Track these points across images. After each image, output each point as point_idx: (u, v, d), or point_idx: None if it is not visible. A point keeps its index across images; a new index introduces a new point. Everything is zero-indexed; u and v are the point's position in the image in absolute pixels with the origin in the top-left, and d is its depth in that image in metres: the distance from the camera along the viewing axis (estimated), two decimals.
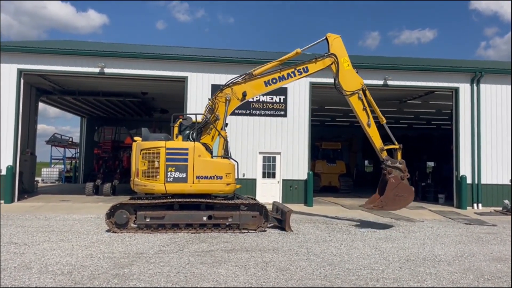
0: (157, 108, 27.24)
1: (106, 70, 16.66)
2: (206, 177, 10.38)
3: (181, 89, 17.43)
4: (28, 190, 19.34)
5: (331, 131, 32.46)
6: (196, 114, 11.12)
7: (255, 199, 11.43)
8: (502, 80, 18.14)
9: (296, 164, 17.19)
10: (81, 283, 6.01)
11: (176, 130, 11.21)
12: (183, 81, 17.13)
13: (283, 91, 17.18)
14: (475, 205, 17.42)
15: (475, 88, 17.90)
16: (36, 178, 22.25)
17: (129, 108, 26.42)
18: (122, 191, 20.56)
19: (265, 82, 11.48)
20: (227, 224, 10.43)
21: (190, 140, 10.85)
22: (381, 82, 17.40)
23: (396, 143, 12.03)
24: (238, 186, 11.09)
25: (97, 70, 16.61)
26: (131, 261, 7.34)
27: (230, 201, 10.55)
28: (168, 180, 10.27)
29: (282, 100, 17.34)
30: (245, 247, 8.72)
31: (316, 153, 25.01)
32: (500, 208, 16.60)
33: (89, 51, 16.79)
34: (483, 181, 17.57)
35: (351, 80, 11.86)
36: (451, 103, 18.46)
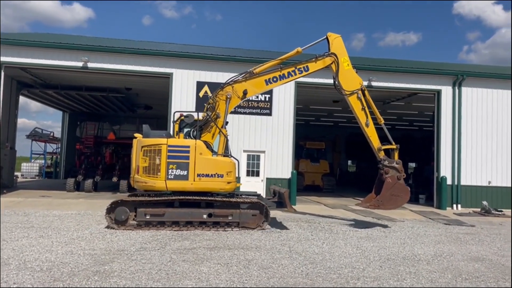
0: (141, 104, 26.99)
1: (90, 65, 16.43)
2: (207, 175, 10.38)
3: (165, 85, 17.31)
4: (7, 185, 18.93)
5: (316, 131, 32.65)
6: (198, 112, 11.09)
7: (259, 196, 11.45)
8: (483, 84, 18.53)
9: (280, 163, 17.25)
10: (61, 279, 5.93)
11: (176, 127, 11.16)
12: (167, 77, 17.01)
13: (268, 90, 17.20)
14: (454, 205, 17.78)
15: (457, 90, 18.24)
16: (16, 173, 21.83)
17: (113, 104, 26.10)
18: (104, 187, 20.35)
19: (265, 80, 11.48)
20: (227, 222, 10.45)
21: (191, 138, 10.82)
22: (365, 83, 17.45)
23: (394, 143, 12.16)
24: (238, 184, 11.11)
25: (80, 64, 16.37)
26: (112, 258, 7.26)
27: (230, 199, 10.57)
28: (169, 177, 10.24)
29: (267, 99, 17.37)
30: (228, 245, 8.71)
31: (300, 152, 25.14)
32: (479, 209, 16.95)
33: (72, 45, 16.51)
34: (462, 183, 17.93)
35: (351, 80, 11.93)
36: (433, 105, 18.78)
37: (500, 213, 16.27)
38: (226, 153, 11.08)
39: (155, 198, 10.21)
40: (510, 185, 18.19)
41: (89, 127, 21.59)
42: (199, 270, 6.70)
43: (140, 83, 19.81)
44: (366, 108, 11.98)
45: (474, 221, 14.29)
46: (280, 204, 11.34)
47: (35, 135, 30.11)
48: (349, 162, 40.53)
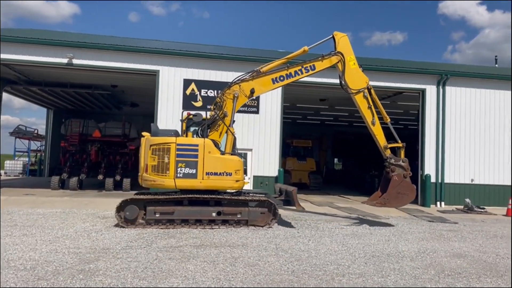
0: (127, 102, 26.75)
1: (75, 61, 16.24)
2: (215, 174, 10.47)
3: (152, 83, 17.20)
4: None
5: (302, 129, 32.81)
6: (206, 111, 11.22)
7: (266, 194, 11.53)
8: (466, 83, 18.83)
9: (267, 160, 17.29)
10: (45, 278, 5.87)
11: (183, 126, 11.24)
12: (154, 74, 16.91)
13: None
14: (438, 203, 18.06)
15: (441, 90, 18.51)
16: None
17: (98, 101, 25.83)
18: (89, 185, 20.15)
19: (272, 79, 11.52)
20: (236, 220, 10.56)
21: (199, 137, 10.90)
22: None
23: (400, 141, 12.24)
24: (246, 182, 11.22)
25: (65, 61, 16.18)
26: (97, 256, 7.22)
27: (239, 197, 10.68)
28: (178, 176, 10.30)
29: (254, 97, 17.35)
30: (214, 242, 8.73)
31: (287, 150, 25.24)
32: (462, 207, 17.24)
33: (57, 41, 16.31)
34: (446, 180, 18.21)
35: (357, 79, 11.97)
36: (418, 104, 19.02)
37: (483, 210, 16.58)
38: (234, 151, 11.17)
39: (165, 197, 10.30)
40: (493, 183, 18.56)
41: (74, 125, 21.24)
42: (185, 268, 6.70)
43: (126, 80, 19.65)
44: (373, 107, 12.09)
45: (457, 218, 14.54)
46: (287, 202, 11.53)
47: (19, 133, 29.64)
48: (336, 160, 40.86)
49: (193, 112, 11.26)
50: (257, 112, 17.39)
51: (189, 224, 10.29)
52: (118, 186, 19.07)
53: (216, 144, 10.81)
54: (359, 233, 10.71)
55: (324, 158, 32.71)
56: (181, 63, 17.01)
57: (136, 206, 10.12)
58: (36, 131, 30.70)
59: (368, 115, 12.05)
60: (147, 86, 18.81)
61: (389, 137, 12.35)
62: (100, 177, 18.97)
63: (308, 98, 22.68)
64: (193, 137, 11.00)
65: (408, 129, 31.52)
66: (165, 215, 10.22)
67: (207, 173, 10.39)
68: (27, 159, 32.06)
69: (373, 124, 12.07)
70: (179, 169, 10.29)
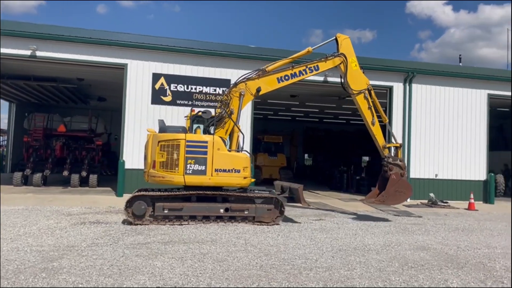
0: (94, 96, 26.09)
1: (38, 53, 15.70)
2: (224, 170, 10.55)
3: (120, 77, 16.82)
4: None
5: (274, 125, 32.97)
6: (214, 108, 11.37)
7: (270, 191, 11.60)
8: (431, 81, 19.41)
9: None
10: (6, 277, 5.67)
11: (188, 123, 11.35)
12: (122, 68, 16.54)
13: (226, 83, 17.15)
14: None
15: (407, 87, 19.00)
16: None
17: (63, 95, 25.05)
18: (54, 181, 19.58)
19: (277, 78, 11.68)
20: (243, 216, 10.65)
21: (206, 134, 11.00)
22: (321, 79, 17.87)
23: (397, 141, 12.67)
24: (252, 179, 11.26)
25: (28, 52, 15.61)
26: (61, 254, 7.02)
27: (247, 194, 10.83)
28: (187, 172, 10.32)
29: (225, 92, 17.24)
30: (183, 239, 8.66)
31: (258, 146, 25.30)
32: (426, 201, 17.80)
33: (19, 32, 15.64)
34: (411, 175, 18.72)
35: (358, 80, 12.30)
36: (386, 101, 19.44)
37: (446, 204, 17.18)
38: (239, 148, 11.28)
39: (174, 193, 10.32)
40: (456, 178, 19.24)
41: (37, 119, 20.51)
42: (153, 264, 6.61)
43: (93, 74, 19.12)
44: (372, 108, 12.41)
45: (422, 212, 14.99)
46: (291, 199, 11.73)
47: None
48: (306, 156, 41.31)
49: (202, 110, 11.42)
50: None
51: (196, 220, 10.36)
52: (84, 182, 18.60)
53: (224, 141, 10.96)
54: (327, 227, 10.87)
55: (295, 154, 33.01)
56: (150, 57, 16.71)
57: (145, 202, 10.16)
58: None
59: (368, 116, 12.39)
60: (115, 80, 18.39)
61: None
62: (65, 173, 18.43)
63: (279, 94, 22.69)
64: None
65: None
66: (173, 212, 10.27)
67: (216, 170, 10.51)
68: None
69: (373, 124, 12.42)
70: (188, 165, 10.36)
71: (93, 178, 18.49)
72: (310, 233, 9.87)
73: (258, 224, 10.61)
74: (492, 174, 19.64)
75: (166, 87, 16.80)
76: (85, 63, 16.40)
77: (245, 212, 10.69)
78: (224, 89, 17.22)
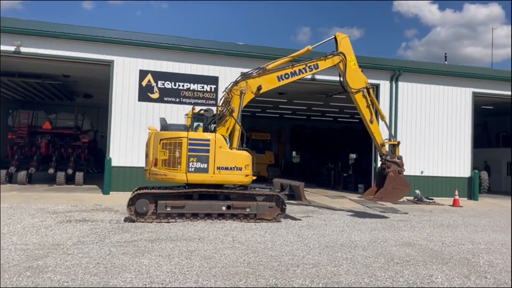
0: (80, 93, 25.74)
1: (23, 49, 15.43)
2: (226, 168, 10.61)
3: (106, 73, 16.63)
4: None
5: (262, 122, 32.98)
6: (217, 106, 11.47)
7: (271, 189, 11.67)
8: (417, 79, 19.61)
9: None
10: None
11: (189, 121, 11.36)
12: (109, 65, 16.35)
13: (213, 80, 17.11)
14: None
15: (394, 85, 19.16)
16: None
17: (49, 91, 24.65)
18: (40, 179, 19.31)
19: (278, 77, 11.79)
20: (245, 214, 10.70)
21: (208, 132, 11.02)
22: (309, 76, 17.86)
23: (395, 139, 12.94)
24: (254, 177, 11.29)
25: (12, 48, 15.33)
26: (46, 252, 6.94)
27: (249, 191, 10.87)
28: (190, 170, 10.36)
29: (213, 89, 17.23)
30: (170, 236, 8.63)
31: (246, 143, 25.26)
32: (412, 198, 18.00)
33: (3, 28, 15.35)
34: None
35: (357, 79, 12.44)
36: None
37: (431, 201, 17.40)
38: (241, 146, 11.32)
39: (176, 191, 10.35)
40: (441, 175, 19.49)
41: (22, 116, 20.20)
42: (139, 262, 6.58)
43: (79, 70, 18.88)
44: (371, 106, 12.56)
45: (407, 208, 15.17)
46: (291, 197, 11.91)
47: None
48: (294, 153, 41.42)
49: (204, 108, 11.44)
50: (215, 104, 17.21)
51: (198, 218, 10.39)
52: (70, 180, 18.37)
53: (225, 139, 11.00)
54: (315, 224, 10.94)
55: (283, 151, 33.07)
56: (137, 53, 16.55)
57: (147, 200, 10.16)
58: None
59: (366, 114, 12.56)
60: (102, 76, 18.17)
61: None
62: (51, 170, 18.18)
63: (267, 91, 22.75)
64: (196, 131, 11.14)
65: (363, 123, 32.47)
66: (176, 209, 10.29)
67: (218, 168, 10.55)
68: None
69: (371, 122, 12.62)
70: (190, 163, 10.40)
71: (79, 175, 18.28)
72: (298, 230, 9.92)
73: (259, 222, 10.66)
74: (477, 171, 19.96)
75: (153, 84, 16.67)
76: (70, 59, 16.17)
77: (247, 210, 10.76)
78: (212, 86, 17.19)
